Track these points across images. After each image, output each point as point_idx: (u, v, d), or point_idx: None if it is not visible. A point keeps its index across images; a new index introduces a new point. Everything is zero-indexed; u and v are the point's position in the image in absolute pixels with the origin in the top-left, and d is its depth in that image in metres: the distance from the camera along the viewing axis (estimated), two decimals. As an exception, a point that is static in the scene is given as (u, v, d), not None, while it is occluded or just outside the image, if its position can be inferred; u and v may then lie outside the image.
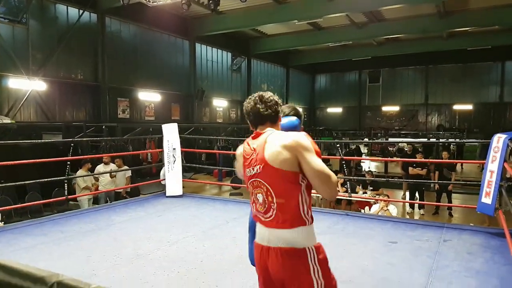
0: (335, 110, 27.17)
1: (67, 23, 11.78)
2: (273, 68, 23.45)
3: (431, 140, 16.95)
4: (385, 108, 25.55)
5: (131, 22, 13.84)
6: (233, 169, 13.30)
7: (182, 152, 7.10)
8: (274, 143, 1.65)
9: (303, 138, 1.65)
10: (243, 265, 3.48)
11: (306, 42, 18.93)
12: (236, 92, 20.30)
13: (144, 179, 10.32)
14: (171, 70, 15.83)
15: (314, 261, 1.64)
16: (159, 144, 14.80)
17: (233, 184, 9.92)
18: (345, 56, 21.98)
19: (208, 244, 4.03)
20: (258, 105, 1.75)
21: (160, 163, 7.71)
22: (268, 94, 1.78)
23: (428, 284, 2.98)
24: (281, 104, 1.83)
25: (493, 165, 4.02)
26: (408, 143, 11.70)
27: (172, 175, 6.79)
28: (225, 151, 15.62)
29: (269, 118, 1.75)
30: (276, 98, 1.79)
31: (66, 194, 5.70)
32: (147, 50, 14.61)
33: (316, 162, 1.60)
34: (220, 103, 19.27)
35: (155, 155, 12.58)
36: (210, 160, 15.74)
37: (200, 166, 12.04)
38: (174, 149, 6.85)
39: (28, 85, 10.63)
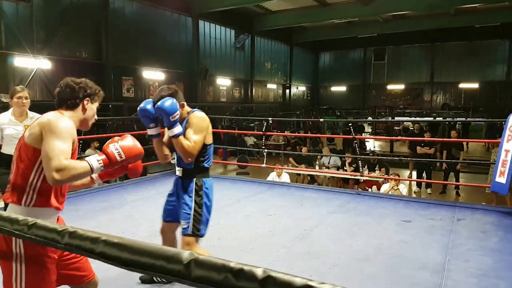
0: (339, 88, 26.96)
1: (71, 0, 11.57)
2: (276, 45, 23.14)
3: (437, 119, 16.87)
4: (390, 87, 25.35)
5: (134, -1, 13.60)
6: (238, 148, 13.33)
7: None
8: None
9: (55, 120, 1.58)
10: (259, 242, 3.55)
11: (311, 18, 18.57)
12: (240, 71, 20.10)
13: (150, 158, 10.33)
14: (174, 48, 15.63)
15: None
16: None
17: (240, 163, 9.95)
18: (350, 33, 21.63)
19: (223, 222, 4.07)
20: (57, 88, 1.75)
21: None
22: (66, 80, 1.75)
23: (445, 262, 3.01)
24: (79, 89, 1.74)
25: (508, 144, 4.01)
26: (414, 122, 11.65)
27: (182, 154, 6.81)
28: (230, 131, 15.63)
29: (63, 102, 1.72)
30: (74, 83, 1.74)
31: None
32: (150, 28, 14.40)
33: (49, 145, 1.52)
34: (223, 82, 19.11)
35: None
36: (214, 139, 15.73)
37: (218, 146, 12.07)
38: (183, 128, 6.85)
39: (33, 63, 10.53)
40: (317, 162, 8.57)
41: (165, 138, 2.40)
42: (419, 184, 8.97)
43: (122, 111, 10.95)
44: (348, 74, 26.18)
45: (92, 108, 1.81)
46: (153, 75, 14.82)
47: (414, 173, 9.65)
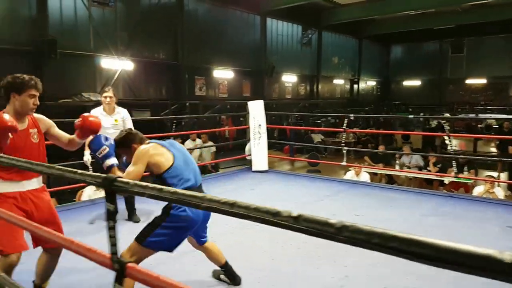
0: (412, 83, 25.52)
1: (149, 4, 12.21)
2: (344, 39, 22.51)
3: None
4: (469, 81, 23.49)
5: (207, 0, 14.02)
6: (305, 144, 13.22)
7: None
8: None
9: None
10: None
11: (382, 10, 17.75)
12: (306, 67, 19.88)
13: (220, 154, 10.62)
14: (242, 47, 15.87)
15: None
16: (234, 120, 15.17)
17: (311, 160, 9.82)
18: (425, 24, 20.32)
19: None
20: None
21: (237, 140, 7.84)
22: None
23: None
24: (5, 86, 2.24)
25: None
26: (502, 119, 10.69)
27: (258, 150, 6.89)
28: (298, 127, 15.56)
29: None
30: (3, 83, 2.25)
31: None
32: (221, 28, 14.75)
33: None
34: (289, 79, 19.03)
35: (232, 132, 12.87)
36: (281, 136, 15.79)
37: (286, 142, 12.27)
38: (259, 125, 6.92)
39: (117, 64, 11.29)
40: (397, 162, 8.18)
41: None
42: (510, 187, 8.21)
43: (198, 109, 11.35)
44: (422, 68, 24.66)
45: (18, 100, 2.17)
46: (222, 74, 15.19)
47: (502, 175, 8.85)
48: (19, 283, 1.49)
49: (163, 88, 12.97)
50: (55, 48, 9.49)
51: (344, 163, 6.23)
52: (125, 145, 2.44)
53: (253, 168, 6.80)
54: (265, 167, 6.83)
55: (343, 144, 6.32)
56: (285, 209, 0.82)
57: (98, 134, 2.45)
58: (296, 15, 18.06)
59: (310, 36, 19.52)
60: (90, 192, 5.47)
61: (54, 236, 1.34)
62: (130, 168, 2.31)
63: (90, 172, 1.20)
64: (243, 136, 15.58)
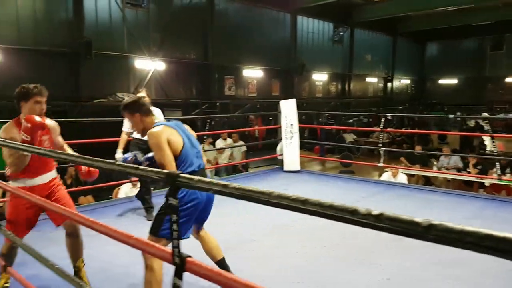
0: (449, 81, 24.59)
1: (181, 4, 12.34)
2: (377, 37, 21.97)
3: None
4: (509, 79, 22.36)
5: (237, -1, 14.05)
6: (337, 144, 13.00)
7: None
8: None
9: None
10: (396, 243, 3.32)
11: (418, 7, 17.14)
12: (337, 65, 19.56)
13: (250, 154, 10.57)
14: (272, 46, 15.77)
15: None
16: (264, 120, 15.08)
17: (344, 160, 9.60)
18: (462, 21, 19.49)
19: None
20: None
21: (267, 140, 7.77)
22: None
23: None
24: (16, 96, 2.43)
25: None
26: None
27: (290, 150, 6.79)
28: (329, 127, 15.32)
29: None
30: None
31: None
32: (251, 27, 14.72)
33: None
34: (319, 77, 18.78)
35: (261, 131, 12.81)
36: (311, 136, 15.58)
37: (317, 142, 12.14)
38: (291, 125, 6.82)
39: (150, 65, 11.48)
40: (435, 163, 7.85)
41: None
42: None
43: (228, 109, 11.37)
44: (459, 66, 23.70)
45: (27, 106, 2.37)
46: (252, 73, 15.15)
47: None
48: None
49: (193, 87, 13.08)
50: (91, 50, 9.76)
51: (381, 164, 6.02)
52: (131, 110, 2.42)
53: (285, 168, 6.71)
54: (297, 167, 6.72)
55: (380, 145, 6.10)
56: (364, 207, 0.82)
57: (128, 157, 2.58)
58: (327, 13, 17.80)
59: (341, 33, 19.19)
60: (127, 190, 5.56)
61: (122, 235, 1.33)
62: (159, 158, 2.28)
63: (152, 168, 1.22)
64: (272, 135, 15.58)
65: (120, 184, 5.70)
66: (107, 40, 10.60)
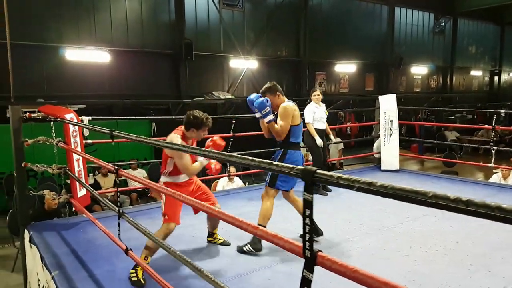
0: None
1: (275, 2, 12.50)
2: (483, 27, 19.90)
3: None
4: None
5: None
6: (439, 142, 12.07)
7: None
8: None
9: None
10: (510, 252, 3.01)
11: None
12: (438, 57, 18.14)
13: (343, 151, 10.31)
14: (366, 39, 15.15)
15: None
16: (357, 116, 14.57)
17: (447, 160, 8.82)
18: None
19: (456, 226, 3.59)
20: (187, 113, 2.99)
21: (359, 137, 7.46)
22: (191, 113, 2.94)
23: None
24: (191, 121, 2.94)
25: None
26: None
27: (389, 148, 6.47)
28: (429, 123, 14.31)
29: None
30: (191, 117, 2.94)
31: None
32: (344, 21, 14.33)
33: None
34: (418, 70, 17.57)
35: (354, 128, 12.44)
36: (410, 133, 14.70)
37: (417, 139, 11.52)
38: (391, 121, 6.50)
39: (243, 64, 11.84)
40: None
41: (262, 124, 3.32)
42: None
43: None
44: None
45: (195, 132, 2.93)
46: (344, 68, 14.75)
47: None
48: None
49: (284, 84, 13.14)
50: (191, 50, 10.37)
51: (492, 165, 5.46)
52: (272, 91, 3.24)
53: (382, 167, 6.43)
54: (396, 166, 6.40)
55: (492, 144, 5.53)
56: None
57: (262, 96, 3.18)
58: (428, 3, 16.69)
59: (443, 24, 17.78)
60: (223, 183, 5.83)
61: (250, 226, 1.42)
62: (281, 123, 3.14)
63: (287, 165, 1.22)
64: (364, 133, 15.02)
65: (218, 178, 5.98)
66: (205, 40, 11.16)
